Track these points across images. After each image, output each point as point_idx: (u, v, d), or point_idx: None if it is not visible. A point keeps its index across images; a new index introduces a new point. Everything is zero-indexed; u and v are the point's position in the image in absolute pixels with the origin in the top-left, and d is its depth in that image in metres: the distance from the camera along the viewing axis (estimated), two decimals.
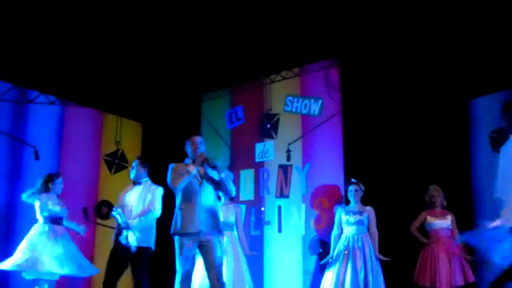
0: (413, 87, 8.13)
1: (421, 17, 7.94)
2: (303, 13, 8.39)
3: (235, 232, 7.71)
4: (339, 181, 8.17)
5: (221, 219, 7.50)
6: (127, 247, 6.74)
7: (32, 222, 7.83)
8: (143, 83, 10.08)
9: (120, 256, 6.79)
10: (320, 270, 7.84)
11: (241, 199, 9.16)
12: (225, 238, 7.39)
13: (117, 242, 6.81)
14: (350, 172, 8.02)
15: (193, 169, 5.68)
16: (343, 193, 8.02)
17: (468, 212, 7.43)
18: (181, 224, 5.62)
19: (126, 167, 10.09)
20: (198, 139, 5.94)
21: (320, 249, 8.20)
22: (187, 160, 5.88)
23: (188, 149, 5.92)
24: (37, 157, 9.14)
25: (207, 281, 6.84)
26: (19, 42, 8.94)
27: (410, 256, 7.36)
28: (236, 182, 8.92)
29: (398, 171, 7.99)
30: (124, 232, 6.73)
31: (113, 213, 6.84)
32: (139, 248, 6.75)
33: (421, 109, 8.10)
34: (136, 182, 7.12)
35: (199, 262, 6.37)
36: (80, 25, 8.89)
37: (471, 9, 7.58)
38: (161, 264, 8.10)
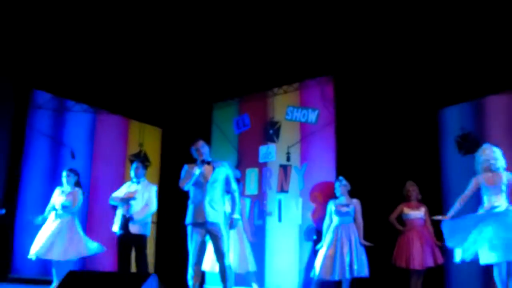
0: (394, 101, 8.49)
1: (400, 42, 8.39)
2: (304, 37, 8.81)
3: (240, 222, 7.83)
4: (332, 179, 8.38)
5: (228, 211, 7.83)
6: (130, 234, 7.33)
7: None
8: (163, 94, 10.45)
9: (128, 241, 7.39)
10: (314, 254, 8.09)
11: (246, 193, 9.36)
12: None
13: (124, 231, 7.34)
14: (341, 171, 8.33)
15: (196, 171, 5.96)
16: (334, 188, 8.14)
17: (438, 204, 7.81)
18: (191, 216, 6.01)
19: (148, 166, 10.33)
20: (200, 144, 6.15)
21: (315, 236, 8.47)
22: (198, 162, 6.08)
23: (194, 153, 6.13)
24: (73, 157, 9.71)
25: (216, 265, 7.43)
26: (58, 59, 9.46)
27: (389, 242, 7.78)
28: (243, 179, 9.28)
29: (380, 170, 8.36)
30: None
31: (131, 202, 7.35)
32: (139, 235, 7.42)
33: (400, 118, 8.48)
34: (135, 181, 7.62)
35: (210, 248, 6.74)
36: (111, 45, 9.43)
37: (439, 32, 8.07)
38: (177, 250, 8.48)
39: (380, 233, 7.93)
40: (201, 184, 6.02)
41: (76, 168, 8.97)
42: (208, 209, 5.93)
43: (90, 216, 9.04)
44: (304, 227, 8.76)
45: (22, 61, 9.36)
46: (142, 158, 10.47)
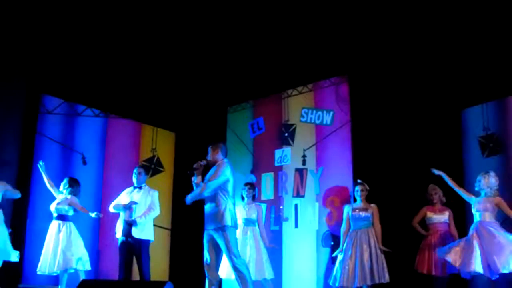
0: (413, 100, 8.24)
1: (418, 40, 8.16)
2: (318, 37, 8.67)
3: (257, 227, 8.02)
4: (348, 183, 8.27)
5: (245, 216, 7.97)
6: (133, 239, 7.27)
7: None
8: (176, 98, 10.28)
9: (130, 247, 7.31)
10: (332, 261, 7.96)
11: (262, 198, 9.29)
12: (248, 232, 7.92)
13: (126, 236, 7.30)
14: (358, 174, 8.09)
15: (193, 178, 6.25)
16: (351, 193, 8.11)
17: (461, 207, 7.53)
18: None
19: (162, 171, 10.38)
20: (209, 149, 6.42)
21: (332, 242, 8.31)
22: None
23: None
24: (84, 162, 9.49)
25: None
26: (68, 64, 9.31)
27: (412, 247, 7.50)
28: (258, 184, 9.21)
29: (401, 173, 8.07)
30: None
31: (132, 206, 7.30)
32: (142, 240, 7.34)
33: (420, 118, 8.21)
34: (136, 186, 7.61)
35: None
36: (121, 50, 9.31)
37: (461, 30, 7.83)
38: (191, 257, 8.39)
39: (401, 237, 7.67)
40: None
41: (88, 173, 9.05)
42: (207, 213, 6.15)
43: (102, 222, 8.93)
44: (321, 233, 8.58)
45: (32, 66, 9.20)
46: (155, 164, 10.41)
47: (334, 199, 8.49)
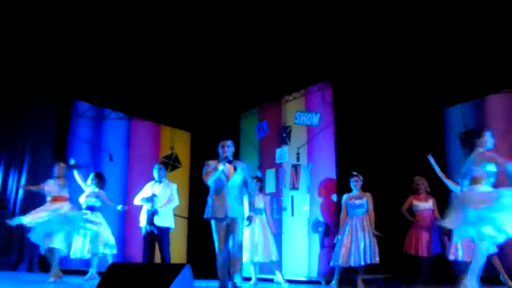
0: (395, 101, 8.51)
1: (400, 45, 8.41)
2: (305, 47, 9.06)
3: (264, 216, 8.08)
4: (333, 176, 8.39)
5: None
6: (155, 227, 7.40)
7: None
8: (191, 102, 10.52)
9: (153, 234, 7.43)
10: (322, 244, 8.33)
11: (266, 191, 9.31)
12: (256, 220, 7.74)
13: (149, 224, 7.40)
14: (341, 168, 8.25)
15: (220, 166, 5.90)
16: (335, 184, 8.30)
17: (445, 196, 7.57)
18: (211, 210, 5.92)
19: (179, 167, 10.63)
20: (228, 142, 6.07)
21: (319, 228, 8.48)
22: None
23: (219, 149, 6.06)
24: (111, 160, 9.81)
25: (254, 259, 7.75)
26: (96, 73, 9.67)
27: (401, 232, 7.87)
28: (263, 179, 9.36)
29: (385, 166, 8.39)
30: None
31: (154, 198, 7.43)
32: (163, 228, 7.49)
33: (403, 117, 8.48)
34: (157, 180, 7.68)
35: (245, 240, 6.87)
36: (143, 61, 9.65)
37: (441, 36, 8.07)
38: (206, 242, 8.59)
39: (392, 223, 7.87)
40: (222, 181, 5.95)
41: (114, 169, 9.26)
42: (228, 205, 5.88)
43: (127, 212, 8.99)
44: (311, 221, 8.72)
45: (64, 76, 9.57)
46: (173, 160, 10.58)
47: (322, 190, 8.59)
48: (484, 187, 5.43)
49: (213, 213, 5.90)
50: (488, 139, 5.82)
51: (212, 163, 6.00)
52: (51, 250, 7.20)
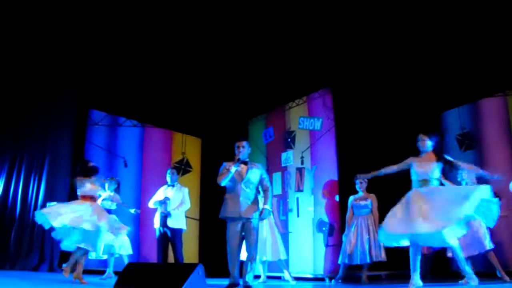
0: (394, 105, 8.58)
1: (396, 50, 8.50)
2: (308, 60, 9.28)
3: (272, 216, 8.10)
4: (335, 177, 8.48)
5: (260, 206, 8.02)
6: (168, 229, 7.44)
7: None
8: (200, 110, 10.68)
9: (166, 235, 7.49)
10: (326, 243, 8.40)
11: (273, 194, 9.30)
12: (264, 220, 7.72)
13: (162, 226, 7.46)
14: (343, 170, 8.32)
15: (233, 168, 5.84)
16: (337, 185, 8.37)
17: None
18: (226, 210, 5.86)
19: (190, 171, 10.75)
20: (243, 143, 6.06)
21: (324, 227, 8.56)
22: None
23: (235, 149, 6.02)
24: (126, 165, 9.98)
25: (263, 257, 7.75)
26: (110, 83, 9.84)
27: None
28: (270, 182, 8.92)
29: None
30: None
31: (167, 201, 7.49)
32: (176, 229, 7.53)
33: (402, 120, 8.53)
34: (170, 184, 7.76)
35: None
36: (155, 71, 9.79)
37: (437, 43, 8.17)
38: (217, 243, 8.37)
39: None
40: (236, 182, 5.89)
41: (129, 174, 9.21)
42: (242, 205, 5.81)
43: (141, 216, 9.11)
44: (316, 221, 8.82)
45: (80, 86, 9.71)
46: (184, 165, 10.69)
47: (324, 192, 8.67)
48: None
49: (227, 213, 5.85)
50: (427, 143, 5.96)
51: (228, 164, 5.96)
52: (81, 249, 6.71)
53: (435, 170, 5.84)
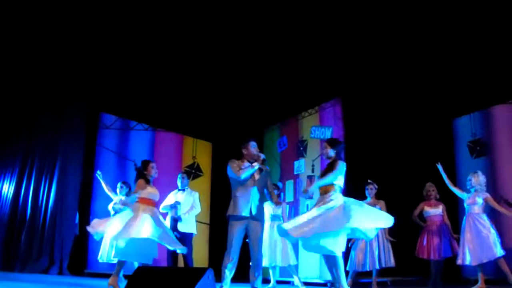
0: (405, 113, 8.57)
1: (406, 58, 8.46)
2: (319, 71, 9.29)
3: (282, 222, 7.81)
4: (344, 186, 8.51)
5: (272, 212, 7.94)
6: (178, 233, 7.33)
7: None
8: (211, 114, 10.69)
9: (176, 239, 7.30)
10: None
11: (286, 200, 9.60)
12: (275, 226, 7.68)
13: (173, 230, 7.23)
14: (351, 178, 7.76)
15: (256, 165, 5.70)
16: (345, 192, 8.06)
17: (454, 202, 7.93)
18: (238, 209, 5.65)
19: (201, 176, 10.76)
20: (257, 148, 5.96)
21: None
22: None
23: (254, 150, 5.89)
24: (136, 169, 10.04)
25: (272, 262, 7.67)
26: (122, 87, 9.85)
27: (413, 236, 7.83)
28: (283, 189, 9.51)
29: (396, 175, 8.40)
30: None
31: (177, 206, 7.46)
32: (186, 234, 7.49)
33: (414, 127, 8.54)
34: (180, 189, 7.75)
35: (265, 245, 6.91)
36: (167, 76, 9.77)
37: (448, 51, 8.12)
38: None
39: (405, 229, 7.86)
40: (250, 181, 5.76)
41: None
42: (253, 205, 5.69)
43: None
44: None
45: (92, 91, 9.74)
46: (195, 169, 10.72)
47: None
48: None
49: (234, 211, 5.68)
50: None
51: (238, 162, 5.83)
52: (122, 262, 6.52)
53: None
